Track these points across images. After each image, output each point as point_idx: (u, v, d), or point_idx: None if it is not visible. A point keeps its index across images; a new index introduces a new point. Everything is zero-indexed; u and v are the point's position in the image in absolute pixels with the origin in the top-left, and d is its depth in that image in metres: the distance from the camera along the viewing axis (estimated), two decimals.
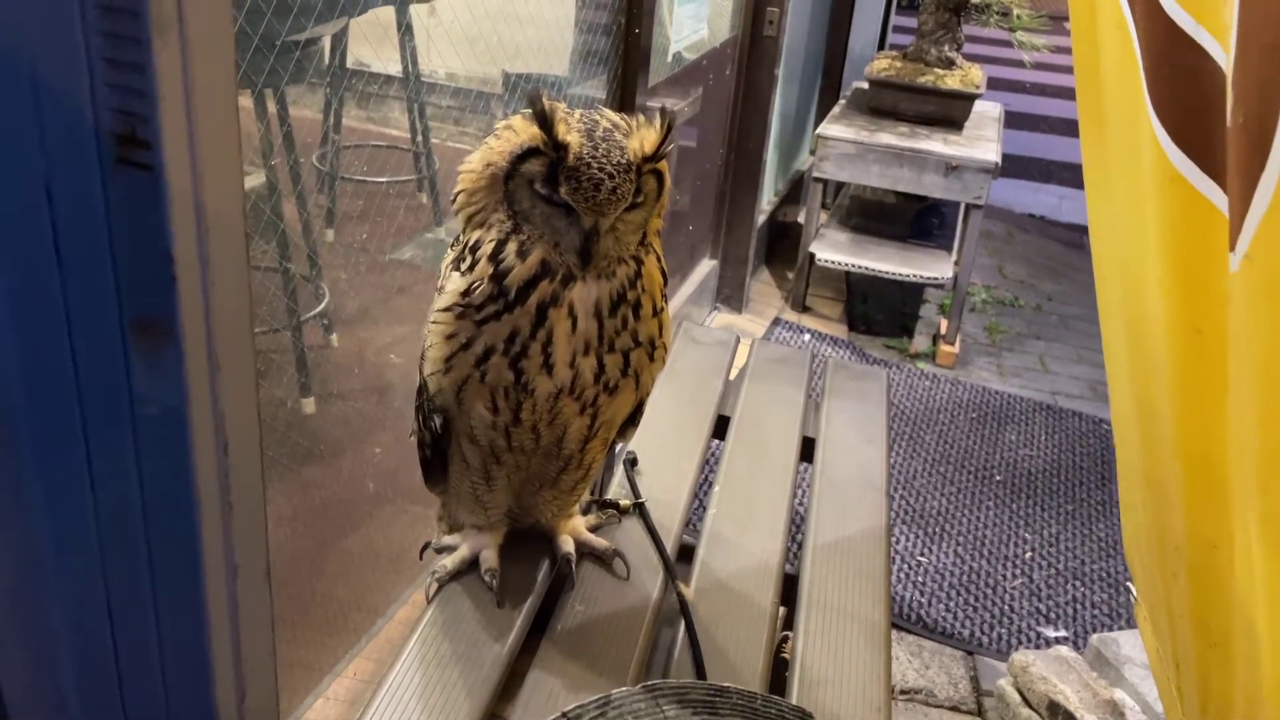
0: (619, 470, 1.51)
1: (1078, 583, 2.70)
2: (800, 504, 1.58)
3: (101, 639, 0.82)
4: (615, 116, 1.03)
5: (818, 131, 3.85)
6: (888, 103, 4.03)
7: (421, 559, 1.36)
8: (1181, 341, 1.02)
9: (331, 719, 1.91)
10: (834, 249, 3.91)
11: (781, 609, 1.34)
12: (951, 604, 2.57)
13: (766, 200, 4.29)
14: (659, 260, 1.11)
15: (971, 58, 4.18)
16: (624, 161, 0.99)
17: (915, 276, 3.82)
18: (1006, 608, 2.59)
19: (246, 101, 1.92)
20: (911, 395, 3.58)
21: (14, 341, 0.72)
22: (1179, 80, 0.99)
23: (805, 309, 4.10)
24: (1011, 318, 4.33)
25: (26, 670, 0.84)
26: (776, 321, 3.95)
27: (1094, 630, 2.50)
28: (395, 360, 2.36)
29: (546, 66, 2.59)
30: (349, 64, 2.49)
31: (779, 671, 1.24)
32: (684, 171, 3.42)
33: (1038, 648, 2.36)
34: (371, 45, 2.53)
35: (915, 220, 4.28)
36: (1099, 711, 1.96)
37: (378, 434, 2.27)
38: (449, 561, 1.26)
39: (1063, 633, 2.52)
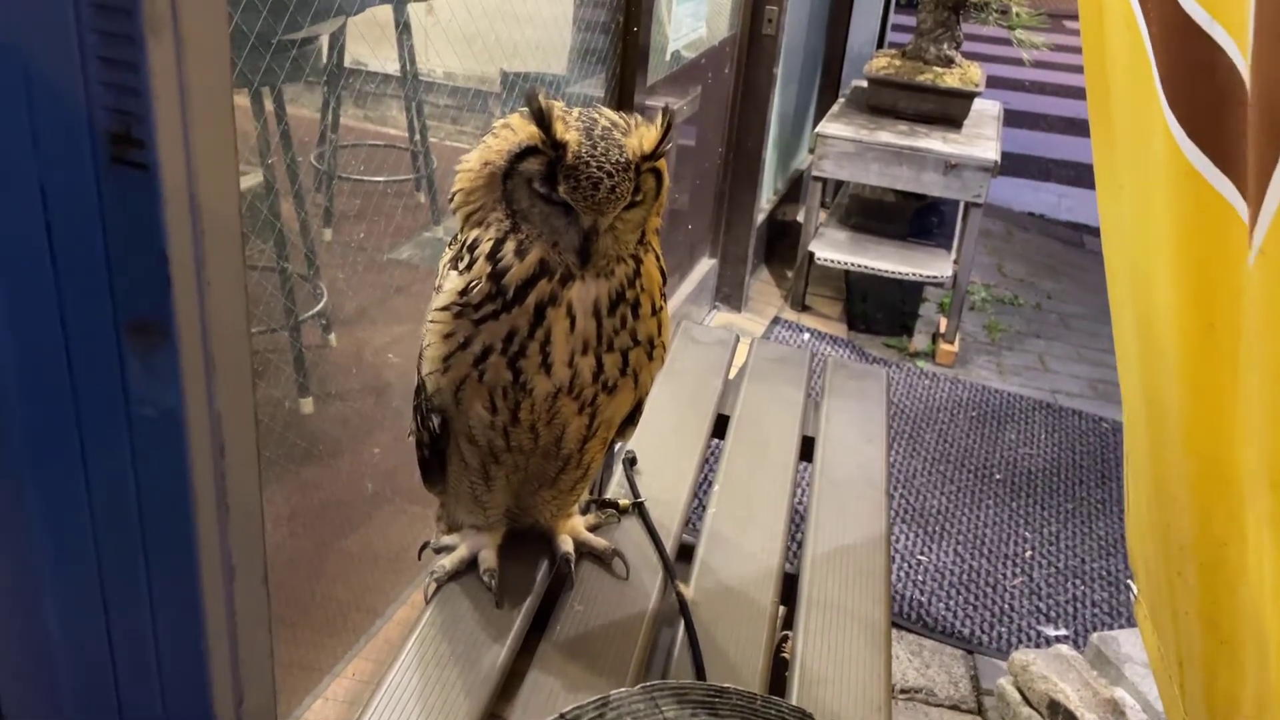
0: (618, 470, 1.51)
1: (1078, 581, 2.70)
2: (800, 503, 1.58)
3: (98, 641, 0.81)
4: (614, 115, 1.03)
5: (817, 130, 3.85)
6: (887, 101, 4.03)
7: (420, 559, 1.35)
8: (1193, 337, 1.02)
9: (330, 719, 1.91)
10: (833, 248, 3.91)
11: (781, 608, 1.33)
12: (951, 603, 2.57)
13: (766, 199, 4.29)
14: (658, 259, 1.10)
15: (971, 56, 4.17)
16: (623, 160, 0.98)
17: (915, 275, 3.81)
18: (1006, 606, 2.58)
19: (243, 100, 1.92)
20: (911, 394, 3.58)
21: (9, 342, 0.71)
22: (1194, 76, 0.99)
23: (804, 308, 4.10)
24: (1011, 316, 4.32)
25: (23, 673, 0.83)
26: (776, 320, 3.94)
27: (1094, 629, 2.50)
28: (393, 360, 2.35)
29: (545, 65, 2.59)
30: (346, 63, 2.49)
31: (779, 671, 1.23)
32: (683, 170, 3.42)
33: (1038, 646, 2.35)
34: (369, 44, 2.52)
35: (914, 219, 4.27)
36: (1099, 710, 1.96)
37: (376, 434, 2.26)
38: (447, 562, 1.26)
39: (1063, 631, 2.52)
